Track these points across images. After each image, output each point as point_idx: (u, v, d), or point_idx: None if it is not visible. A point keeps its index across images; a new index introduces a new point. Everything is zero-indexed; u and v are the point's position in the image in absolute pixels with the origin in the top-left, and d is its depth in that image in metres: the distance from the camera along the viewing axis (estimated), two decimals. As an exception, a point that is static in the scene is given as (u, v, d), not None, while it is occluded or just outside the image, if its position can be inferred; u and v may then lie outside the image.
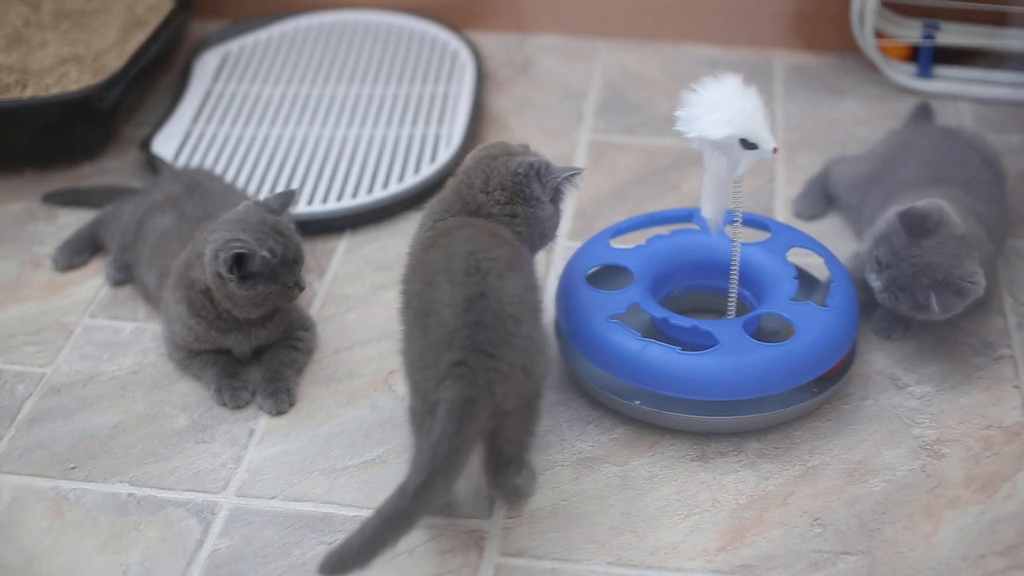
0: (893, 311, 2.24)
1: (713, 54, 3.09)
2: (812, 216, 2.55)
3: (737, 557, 1.90)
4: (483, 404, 1.77)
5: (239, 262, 2.06)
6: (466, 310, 1.81)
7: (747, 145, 1.93)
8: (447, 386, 1.77)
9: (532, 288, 1.92)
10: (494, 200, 2.00)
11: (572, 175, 2.03)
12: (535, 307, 1.90)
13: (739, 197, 2.06)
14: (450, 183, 2.06)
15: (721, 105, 1.93)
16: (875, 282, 2.19)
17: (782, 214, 2.56)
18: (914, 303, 2.15)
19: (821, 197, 2.57)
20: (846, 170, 2.53)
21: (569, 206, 2.15)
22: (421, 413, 1.85)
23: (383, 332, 2.29)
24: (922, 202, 2.15)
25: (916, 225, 2.13)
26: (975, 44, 2.94)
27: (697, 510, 1.97)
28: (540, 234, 2.04)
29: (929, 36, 2.92)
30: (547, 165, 2.03)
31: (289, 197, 2.18)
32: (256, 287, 2.09)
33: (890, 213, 2.19)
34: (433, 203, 2.06)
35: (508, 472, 1.91)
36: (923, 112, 2.75)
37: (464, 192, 2.02)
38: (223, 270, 2.05)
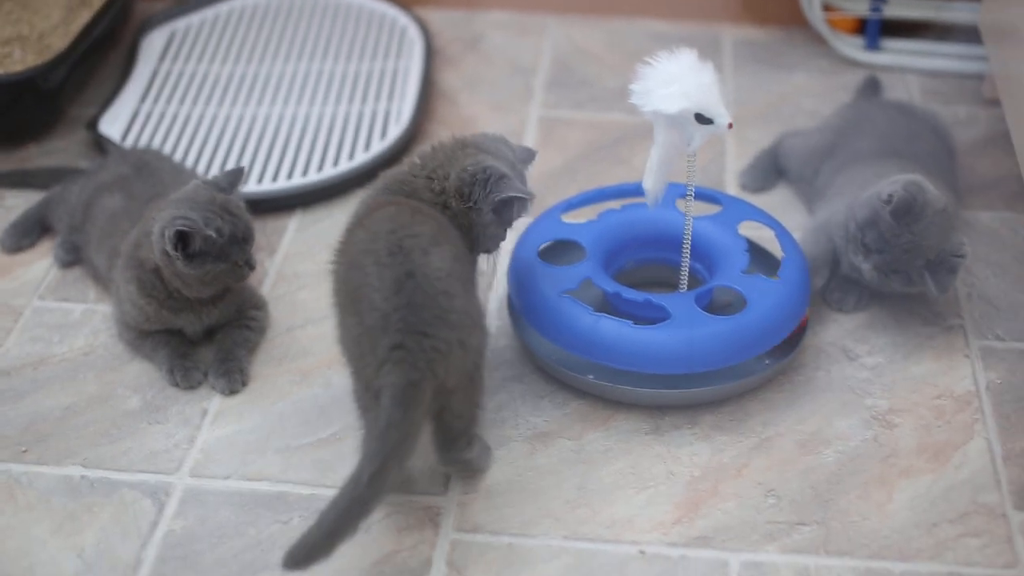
0: (846, 284, 2.26)
1: (661, 29, 3.09)
2: (758, 189, 2.56)
3: (693, 529, 1.91)
4: (426, 385, 1.78)
5: (183, 240, 2.04)
6: (396, 292, 1.80)
7: (702, 120, 1.94)
8: (388, 371, 1.77)
9: (460, 260, 1.90)
10: (430, 188, 1.99)
11: (516, 197, 1.98)
12: (465, 279, 1.89)
13: (692, 171, 2.06)
14: (407, 158, 2.07)
15: (677, 79, 1.93)
16: (863, 264, 2.19)
17: (733, 187, 2.57)
18: (908, 281, 2.18)
19: (769, 170, 2.58)
20: (799, 143, 2.54)
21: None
22: (364, 398, 1.85)
23: (336, 310, 2.28)
24: (901, 185, 2.14)
25: (905, 213, 2.14)
26: (922, 16, 2.95)
27: (652, 483, 1.98)
28: (476, 237, 2.01)
29: (876, 9, 2.93)
30: (500, 178, 1.98)
31: (238, 175, 2.16)
32: (204, 266, 2.08)
33: (871, 198, 2.18)
34: (377, 180, 2.05)
35: (459, 447, 1.92)
36: (871, 86, 2.76)
37: (407, 172, 2.02)
38: (169, 248, 2.04)
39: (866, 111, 2.52)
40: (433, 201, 1.98)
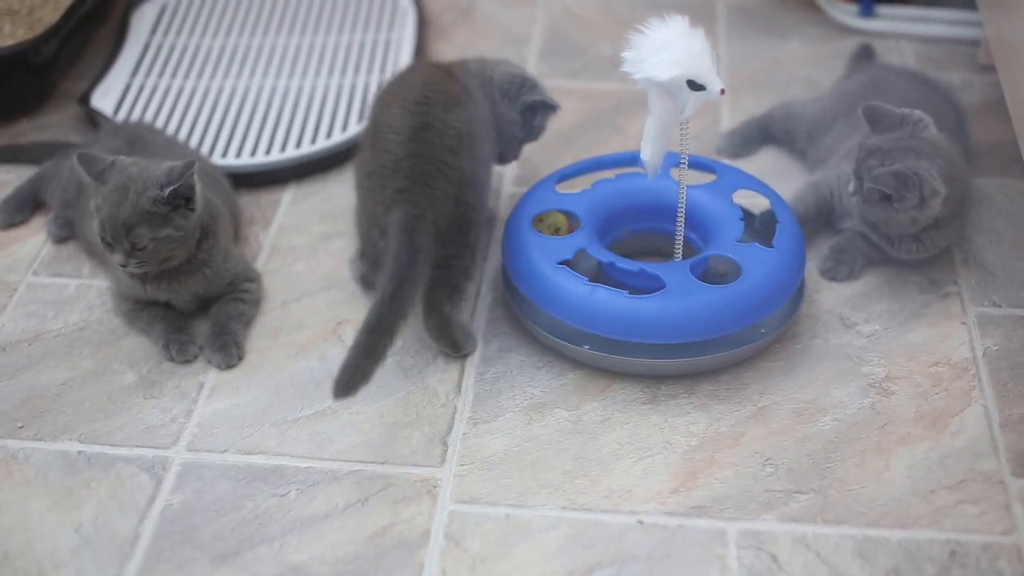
0: (839, 254, 2.26)
1: (655, -4, 3.08)
2: (734, 155, 2.55)
3: (690, 499, 1.91)
4: (428, 219, 2.04)
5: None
6: (410, 139, 2.07)
7: (694, 86, 1.93)
8: (395, 211, 2.04)
9: (478, 124, 2.16)
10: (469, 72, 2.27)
11: (543, 103, 2.29)
12: (476, 141, 2.14)
13: (685, 139, 2.06)
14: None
15: (668, 46, 1.92)
16: (851, 187, 2.22)
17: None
18: (861, 192, 2.19)
19: (752, 137, 2.57)
20: (811, 106, 2.53)
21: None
22: (370, 234, 2.12)
23: (331, 282, 2.28)
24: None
25: (877, 119, 2.20)
26: (916, -19, 2.95)
27: (649, 453, 1.98)
28: (507, 138, 2.30)
29: (870, -26, 2.93)
30: (535, 86, 2.30)
31: (184, 170, 2.06)
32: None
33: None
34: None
35: (442, 303, 2.12)
36: (865, 53, 2.75)
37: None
38: None
39: (885, 76, 2.51)
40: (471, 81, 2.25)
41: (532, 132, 2.33)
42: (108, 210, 2.04)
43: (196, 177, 2.06)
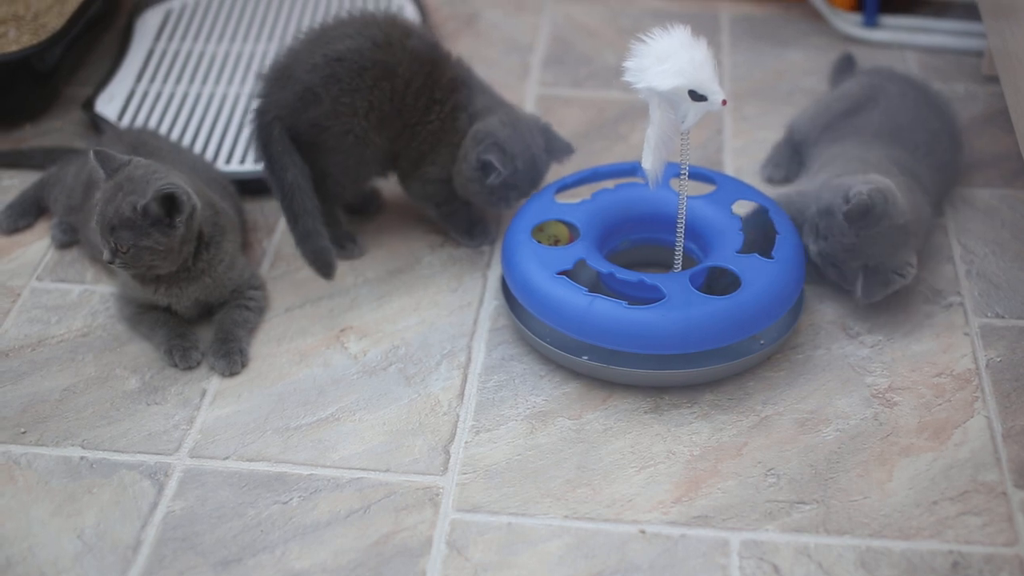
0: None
1: (659, 5, 3.09)
2: (784, 179, 2.51)
3: (693, 508, 1.91)
4: (273, 124, 2.22)
5: None
6: (302, 49, 2.26)
7: (696, 97, 1.93)
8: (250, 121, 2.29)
9: (343, 61, 2.22)
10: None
11: (492, 165, 2.22)
12: (346, 79, 2.22)
13: (686, 149, 2.06)
14: None
15: (670, 56, 1.92)
16: (811, 245, 2.20)
17: (731, 166, 2.56)
18: (842, 277, 2.19)
19: (790, 158, 2.53)
20: (813, 108, 2.51)
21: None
22: None
23: (334, 289, 2.28)
24: (867, 190, 2.12)
25: (858, 219, 2.13)
26: (920, -8, 2.95)
27: (652, 462, 1.98)
28: (473, 192, 2.29)
29: (874, -15, 2.93)
30: (494, 144, 2.23)
31: (164, 188, 2.07)
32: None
33: (838, 189, 2.18)
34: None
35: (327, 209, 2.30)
36: (846, 64, 2.73)
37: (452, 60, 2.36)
38: None
39: (882, 85, 2.47)
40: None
41: (492, 191, 2.26)
42: (101, 206, 2.05)
43: (183, 199, 2.05)
